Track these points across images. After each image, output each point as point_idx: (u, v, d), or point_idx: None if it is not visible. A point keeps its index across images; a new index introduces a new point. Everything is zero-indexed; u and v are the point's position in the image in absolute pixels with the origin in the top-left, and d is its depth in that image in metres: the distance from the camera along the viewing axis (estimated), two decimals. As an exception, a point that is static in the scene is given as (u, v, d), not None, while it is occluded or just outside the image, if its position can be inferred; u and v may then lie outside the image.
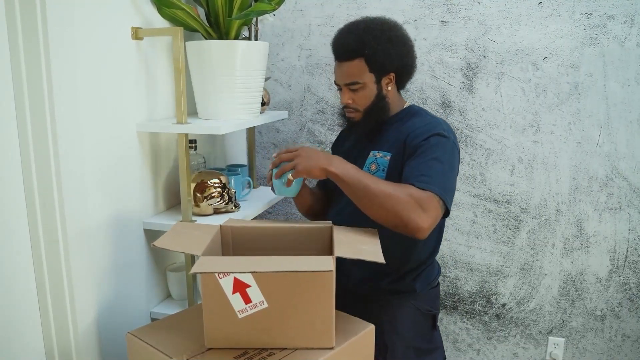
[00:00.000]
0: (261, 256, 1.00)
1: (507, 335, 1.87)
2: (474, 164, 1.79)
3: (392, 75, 1.26)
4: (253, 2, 1.39)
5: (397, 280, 1.29)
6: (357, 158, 1.30)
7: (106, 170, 1.21)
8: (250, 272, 0.89)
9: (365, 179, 1.09)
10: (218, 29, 1.38)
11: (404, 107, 1.33)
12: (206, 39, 1.39)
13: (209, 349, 0.94)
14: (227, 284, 0.90)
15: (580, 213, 1.73)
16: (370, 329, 1.04)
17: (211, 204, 1.41)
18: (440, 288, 1.42)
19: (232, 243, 1.18)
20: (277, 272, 0.87)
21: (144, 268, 1.39)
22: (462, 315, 1.91)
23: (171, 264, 1.52)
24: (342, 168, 1.10)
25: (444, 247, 1.84)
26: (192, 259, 1.36)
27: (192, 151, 1.46)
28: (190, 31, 1.40)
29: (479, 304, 1.88)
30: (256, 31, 1.52)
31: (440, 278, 1.58)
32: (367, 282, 1.30)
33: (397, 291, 1.29)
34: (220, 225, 1.17)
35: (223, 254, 1.17)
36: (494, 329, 1.88)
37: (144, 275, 1.39)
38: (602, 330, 1.78)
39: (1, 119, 1.00)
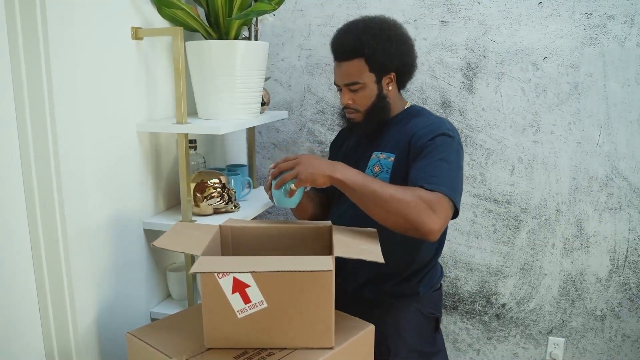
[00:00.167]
0: (261, 256, 1.00)
1: (507, 335, 1.88)
2: (474, 164, 1.79)
3: (392, 74, 1.25)
4: (253, 2, 1.39)
5: (401, 282, 1.27)
6: (359, 159, 1.29)
7: (106, 170, 1.22)
8: (249, 272, 0.89)
9: (372, 184, 1.06)
10: (218, 29, 1.39)
11: (406, 107, 1.32)
12: (206, 39, 1.39)
13: (209, 349, 0.94)
14: (226, 283, 0.90)
15: (580, 213, 1.73)
16: (369, 329, 1.04)
17: (211, 204, 1.41)
18: (440, 281, 1.42)
19: (232, 243, 1.18)
20: (277, 272, 0.87)
21: (144, 268, 1.39)
22: (462, 315, 1.91)
23: (171, 264, 1.52)
24: (347, 174, 1.07)
25: (444, 247, 1.84)
26: (191, 259, 1.36)
27: (192, 151, 1.46)
28: (190, 31, 1.40)
29: (479, 304, 1.88)
30: (256, 31, 1.52)
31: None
32: (371, 284, 1.29)
33: (401, 294, 1.28)
34: (220, 225, 1.17)
35: (223, 254, 1.17)
36: (494, 329, 1.88)
37: (144, 275, 1.39)
38: (602, 330, 1.78)
39: (1, 119, 1.00)
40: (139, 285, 1.38)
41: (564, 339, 1.82)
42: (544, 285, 1.80)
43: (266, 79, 1.52)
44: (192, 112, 1.49)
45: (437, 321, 1.35)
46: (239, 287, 0.91)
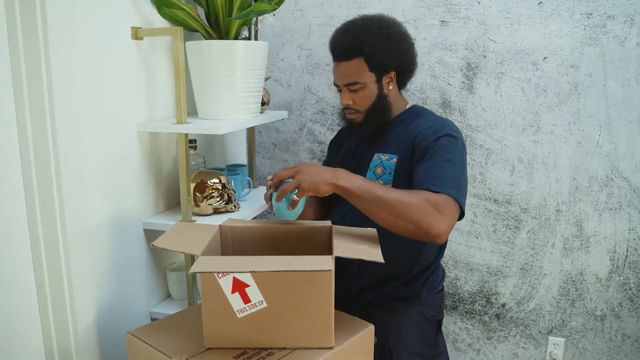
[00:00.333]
0: (260, 256, 1.00)
1: (507, 335, 1.87)
2: (474, 163, 1.79)
3: (392, 73, 1.23)
4: (253, 2, 1.39)
5: (403, 285, 1.27)
6: (360, 160, 1.28)
7: (106, 170, 1.22)
8: (249, 272, 0.89)
9: (377, 190, 1.03)
10: (218, 29, 1.39)
11: (407, 107, 1.30)
12: (206, 38, 1.39)
13: (209, 348, 0.94)
14: (226, 283, 0.90)
15: (580, 213, 1.73)
16: (369, 329, 1.04)
17: (211, 204, 1.41)
18: (442, 283, 1.41)
19: (232, 243, 1.18)
20: (277, 271, 0.87)
21: (143, 268, 1.39)
22: (462, 315, 1.91)
23: (171, 263, 1.52)
24: (350, 181, 1.03)
25: (444, 247, 1.84)
26: (191, 259, 1.36)
27: (192, 151, 1.46)
28: (190, 31, 1.40)
29: (479, 304, 1.88)
30: (256, 31, 1.52)
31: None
32: (373, 287, 1.28)
33: (403, 296, 1.27)
34: (220, 225, 1.17)
35: (222, 254, 1.17)
36: (494, 329, 1.88)
37: (144, 275, 1.39)
38: (602, 330, 1.78)
39: (1, 119, 1.00)
40: (139, 285, 1.38)
41: (564, 339, 1.82)
42: (544, 285, 1.80)
43: (266, 79, 1.52)
44: (192, 112, 1.49)
45: (439, 323, 1.35)
46: (239, 286, 0.91)
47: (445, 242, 1.30)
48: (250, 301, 0.91)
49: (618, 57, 1.61)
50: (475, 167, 1.79)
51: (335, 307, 0.94)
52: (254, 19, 1.50)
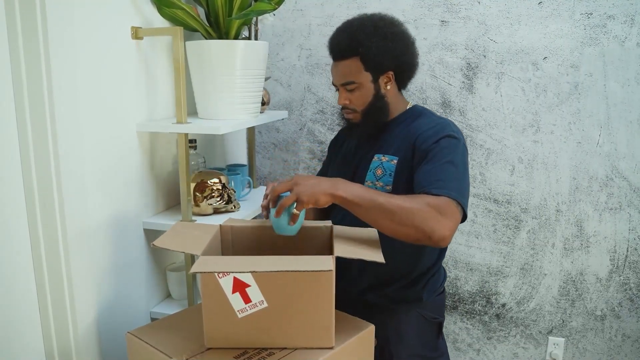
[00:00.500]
0: (261, 256, 1.00)
1: (507, 335, 1.87)
2: (474, 163, 1.79)
3: (390, 73, 1.22)
4: (253, 1, 1.39)
5: (404, 287, 1.26)
6: (360, 161, 1.27)
7: (106, 170, 1.22)
8: (249, 272, 0.89)
9: (377, 197, 1.00)
10: (218, 29, 1.39)
11: (408, 107, 1.29)
12: (206, 38, 1.39)
13: (209, 348, 0.94)
14: (226, 283, 0.90)
15: (580, 213, 1.73)
16: (370, 329, 1.04)
17: (211, 204, 1.41)
18: (443, 285, 1.41)
19: (232, 243, 1.18)
20: (277, 271, 0.87)
21: (143, 268, 1.39)
22: (462, 315, 1.91)
23: (171, 263, 1.52)
24: (350, 190, 1.01)
25: (444, 247, 1.84)
26: (191, 259, 1.36)
27: (192, 151, 1.46)
28: (190, 31, 1.40)
29: (479, 304, 1.88)
30: (256, 31, 1.52)
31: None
32: (374, 289, 1.27)
33: (404, 299, 1.27)
34: (220, 225, 1.17)
35: (223, 254, 1.17)
36: (494, 329, 1.88)
37: (144, 275, 1.39)
38: (602, 330, 1.78)
39: (1, 119, 1.00)
40: (139, 285, 1.38)
41: (564, 339, 1.82)
42: (544, 285, 1.80)
43: (266, 79, 1.52)
44: (192, 111, 1.49)
45: (440, 326, 1.34)
46: (239, 286, 0.90)
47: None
48: (250, 301, 0.91)
49: (618, 57, 1.61)
50: (476, 167, 1.79)
51: (336, 309, 0.94)
52: (254, 18, 1.51)
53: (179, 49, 1.25)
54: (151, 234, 1.38)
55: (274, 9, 1.32)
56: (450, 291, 1.90)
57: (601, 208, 1.71)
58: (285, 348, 0.94)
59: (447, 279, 1.88)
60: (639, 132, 1.63)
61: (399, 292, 1.26)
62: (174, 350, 0.93)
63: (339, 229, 1.11)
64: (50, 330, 1.12)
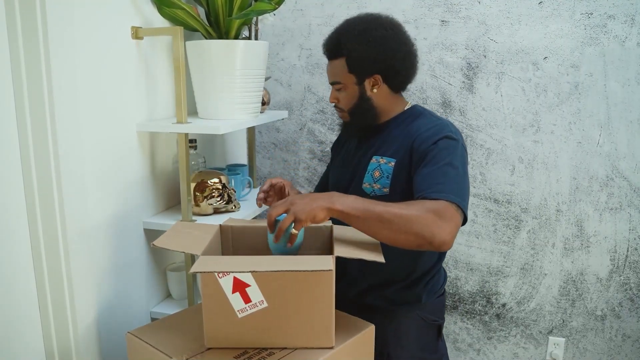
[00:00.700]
0: (261, 256, 1.00)
1: (507, 335, 1.87)
2: (475, 163, 1.79)
3: (377, 77, 1.20)
4: (253, 1, 1.39)
5: (403, 289, 1.25)
6: (359, 163, 1.26)
7: (106, 170, 1.21)
8: (250, 272, 0.89)
9: (375, 207, 0.98)
10: (218, 29, 1.38)
11: (406, 107, 1.27)
12: (206, 38, 1.39)
13: (209, 348, 0.94)
14: (226, 283, 0.90)
15: (580, 213, 1.73)
16: (370, 329, 1.04)
17: (211, 204, 1.41)
18: (443, 287, 1.41)
19: (232, 243, 1.18)
20: (277, 271, 0.87)
21: (144, 268, 1.39)
22: (463, 315, 1.91)
23: (171, 263, 1.52)
24: (346, 203, 0.99)
25: (444, 247, 1.84)
26: (192, 259, 1.36)
27: (192, 151, 1.46)
28: (190, 31, 1.40)
29: (479, 303, 1.88)
30: (256, 31, 1.52)
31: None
32: (372, 291, 1.27)
33: (403, 301, 1.26)
34: (220, 225, 1.17)
35: (223, 254, 1.17)
36: (494, 329, 1.88)
37: (144, 275, 1.39)
38: (602, 330, 1.78)
39: (1, 119, 1.00)
40: (139, 285, 1.38)
41: (564, 339, 1.82)
42: (544, 285, 1.80)
43: (266, 79, 1.52)
44: (192, 111, 1.49)
45: (440, 328, 1.33)
46: (239, 286, 0.90)
47: None
48: (250, 301, 0.91)
49: (618, 57, 1.61)
50: (476, 167, 1.79)
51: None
52: (254, 18, 1.50)
53: (179, 49, 1.25)
54: (151, 234, 1.38)
55: (274, 9, 1.32)
56: (451, 291, 1.90)
57: (601, 208, 1.71)
58: (286, 348, 0.94)
59: (448, 279, 1.88)
60: (639, 132, 1.63)
61: (398, 294, 1.25)
62: (174, 350, 0.93)
63: (339, 229, 1.10)
64: (50, 330, 1.12)
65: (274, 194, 1.32)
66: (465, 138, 1.78)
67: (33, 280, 1.10)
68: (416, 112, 1.26)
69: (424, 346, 1.29)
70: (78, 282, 1.13)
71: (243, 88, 1.38)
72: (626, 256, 1.72)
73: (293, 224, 0.98)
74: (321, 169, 1.97)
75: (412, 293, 1.26)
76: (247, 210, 1.51)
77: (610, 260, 1.73)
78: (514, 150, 1.75)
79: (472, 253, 1.85)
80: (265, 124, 1.96)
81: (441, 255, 1.30)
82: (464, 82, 1.75)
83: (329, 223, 1.16)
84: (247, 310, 0.92)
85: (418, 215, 0.97)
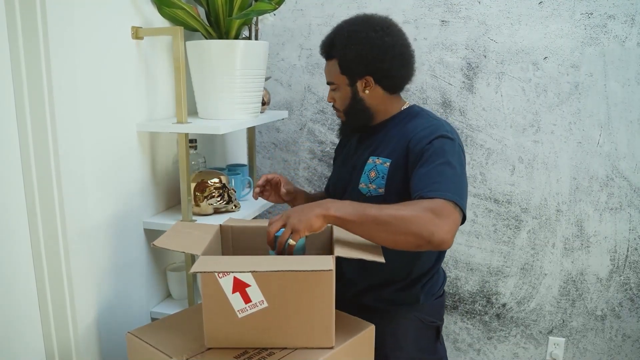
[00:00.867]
0: (261, 256, 1.00)
1: (507, 335, 1.87)
2: (475, 163, 1.79)
3: (368, 78, 1.20)
4: (253, 1, 1.39)
5: (401, 290, 1.25)
6: (357, 163, 1.26)
7: (106, 170, 1.21)
8: (250, 272, 0.89)
9: (370, 210, 0.98)
10: (218, 29, 1.39)
11: (404, 107, 1.27)
12: (206, 38, 1.39)
13: (209, 348, 0.94)
14: (227, 283, 0.90)
15: (580, 213, 1.73)
16: (370, 329, 1.04)
17: (211, 204, 1.41)
18: (442, 288, 1.40)
19: (232, 243, 1.18)
20: (277, 271, 0.87)
21: (144, 268, 1.39)
22: (463, 315, 1.91)
23: (171, 263, 1.52)
24: (341, 209, 0.98)
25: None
26: (192, 259, 1.36)
27: (192, 151, 1.46)
28: (191, 31, 1.40)
29: (479, 303, 1.88)
30: (256, 31, 1.52)
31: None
32: (370, 291, 1.26)
33: (401, 302, 1.25)
34: (220, 225, 1.17)
35: (223, 254, 1.17)
36: (495, 329, 1.88)
37: (144, 275, 1.39)
38: (602, 330, 1.78)
39: (1, 119, 1.00)
40: (139, 285, 1.38)
41: (564, 339, 1.82)
42: (545, 285, 1.80)
43: (266, 79, 1.52)
44: (193, 111, 1.49)
45: (439, 330, 1.32)
46: (240, 286, 0.90)
47: None
48: (250, 301, 0.91)
49: (618, 57, 1.61)
50: (476, 167, 1.79)
51: None
52: (254, 18, 1.50)
53: (179, 49, 1.25)
54: (151, 234, 1.38)
55: (274, 9, 1.32)
56: (451, 291, 1.90)
57: (601, 208, 1.71)
58: (286, 348, 0.94)
59: (448, 279, 1.88)
60: (639, 132, 1.63)
61: (395, 295, 1.25)
62: (174, 350, 0.93)
63: (339, 229, 1.10)
64: (51, 330, 1.12)
65: (270, 188, 1.36)
66: (465, 138, 1.78)
67: (33, 280, 1.10)
68: (413, 112, 1.26)
69: (422, 348, 1.29)
70: (78, 282, 1.13)
71: (243, 88, 1.38)
72: (626, 256, 1.72)
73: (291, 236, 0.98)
74: (321, 169, 1.97)
75: (410, 294, 1.25)
76: (247, 210, 1.51)
77: (610, 260, 1.73)
78: (514, 150, 1.75)
79: (472, 253, 1.85)
80: (266, 124, 1.96)
81: (440, 256, 1.29)
82: (464, 82, 1.75)
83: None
84: (247, 310, 0.92)
85: (415, 215, 0.96)
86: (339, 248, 0.98)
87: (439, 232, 0.95)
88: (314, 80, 1.90)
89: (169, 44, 1.41)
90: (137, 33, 1.27)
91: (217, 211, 1.43)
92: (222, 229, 1.16)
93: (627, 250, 1.71)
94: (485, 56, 1.72)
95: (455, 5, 1.71)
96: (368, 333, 1.04)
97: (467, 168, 1.78)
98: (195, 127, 1.29)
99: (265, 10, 1.30)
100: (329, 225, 1.13)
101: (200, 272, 0.86)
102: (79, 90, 1.11)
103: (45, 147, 1.05)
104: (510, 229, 1.80)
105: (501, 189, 1.79)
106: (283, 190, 1.35)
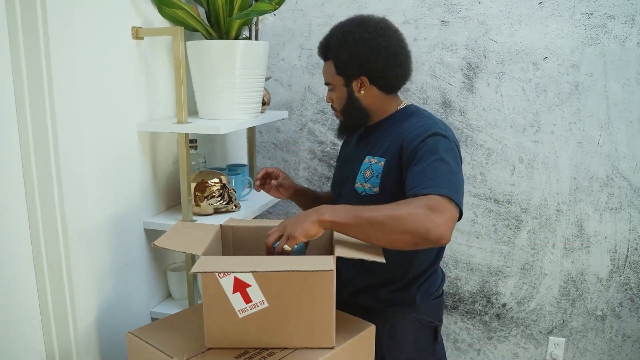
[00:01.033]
0: (262, 256, 1.00)
1: (507, 335, 1.87)
2: (475, 163, 1.79)
3: (363, 78, 1.20)
4: (253, 1, 1.39)
5: (398, 290, 1.24)
6: (355, 162, 1.26)
7: (106, 170, 1.21)
8: (250, 272, 0.89)
9: (364, 212, 0.97)
10: (218, 29, 1.38)
11: (400, 107, 1.26)
12: (206, 38, 1.39)
13: (210, 348, 0.94)
14: (227, 283, 0.90)
15: (580, 213, 1.73)
16: (370, 329, 1.04)
17: (211, 204, 1.41)
18: (441, 288, 1.40)
19: (233, 243, 1.18)
20: (278, 271, 0.87)
21: (144, 268, 1.39)
22: (463, 315, 1.91)
23: (171, 263, 1.52)
24: (335, 213, 0.99)
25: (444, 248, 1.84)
26: (192, 259, 1.36)
27: (192, 151, 1.46)
28: (191, 31, 1.40)
29: (479, 303, 1.88)
30: (256, 31, 1.52)
31: (441, 278, 1.57)
32: (367, 291, 1.26)
33: (398, 302, 1.24)
34: (221, 225, 1.17)
35: (223, 254, 1.17)
36: (495, 329, 1.88)
37: (144, 275, 1.39)
38: (602, 330, 1.78)
39: (1, 118, 1.00)
40: (140, 285, 1.37)
41: (564, 339, 1.82)
42: (545, 285, 1.80)
43: (267, 79, 1.52)
44: (193, 111, 1.49)
45: (437, 330, 1.30)
46: (240, 286, 0.90)
47: (444, 246, 1.25)
48: (251, 301, 0.91)
49: (618, 57, 1.61)
50: (476, 167, 1.79)
51: None
52: (255, 18, 1.50)
53: (180, 49, 1.25)
54: (151, 234, 1.38)
55: (275, 9, 1.32)
56: (451, 291, 1.90)
57: (601, 208, 1.71)
58: (286, 348, 0.94)
59: (448, 279, 1.88)
60: (639, 132, 1.64)
61: (392, 295, 1.24)
62: (175, 350, 0.93)
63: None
64: (51, 330, 1.12)
65: (271, 181, 1.39)
66: (465, 138, 1.78)
67: (33, 280, 1.10)
68: (409, 112, 1.25)
69: (421, 348, 1.28)
70: (78, 282, 1.13)
71: (243, 88, 1.38)
72: (626, 256, 1.72)
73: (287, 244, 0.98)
74: (321, 169, 1.97)
75: (406, 294, 1.24)
76: (248, 210, 1.51)
77: (611, 260, 1.73)
78: (514, 150, 1.75)
79: (472, 253, 1.85)
80: (266, 124, 1.96)
81: (438, 256, 1.28)
82: (464, 82, 1.75)
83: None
84: (247, 310, 0.92)
85: (410, 213, 0.95)
86: (340, 248, 0.98)
87: (436, 228, 0.94)
88: (314, 80, 1.90)
89: (169, 44, 1.41)
90: (137, 33, 1.27)
91: (217, 211, 1.43)
92: (223, 229, 1.16)
93: (627, 250, 1.71)
94: (485, 56, 1.72)
95: (455, 5, 1.71)
96: (368, 333, 1.04)
97: (467, 168, 1.79)
98: (195, 127, 1.29)
99: (265, 10, 1.30)
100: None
101: (201, 272, 0.86)
102: (79, 90, 1.11)
103: (45, 147, 1.05)
104: (511, 229, 1.80)
105: (501, 189, 1.79)
106: (274, 182, 1.38)
